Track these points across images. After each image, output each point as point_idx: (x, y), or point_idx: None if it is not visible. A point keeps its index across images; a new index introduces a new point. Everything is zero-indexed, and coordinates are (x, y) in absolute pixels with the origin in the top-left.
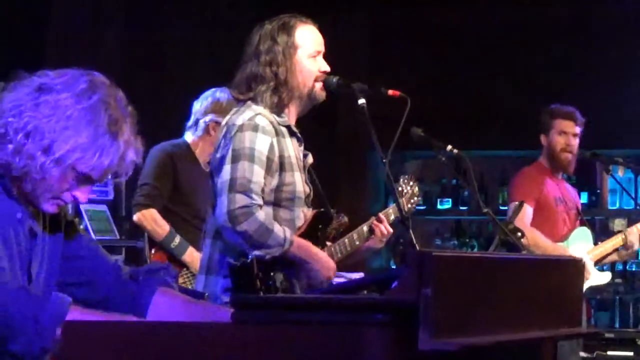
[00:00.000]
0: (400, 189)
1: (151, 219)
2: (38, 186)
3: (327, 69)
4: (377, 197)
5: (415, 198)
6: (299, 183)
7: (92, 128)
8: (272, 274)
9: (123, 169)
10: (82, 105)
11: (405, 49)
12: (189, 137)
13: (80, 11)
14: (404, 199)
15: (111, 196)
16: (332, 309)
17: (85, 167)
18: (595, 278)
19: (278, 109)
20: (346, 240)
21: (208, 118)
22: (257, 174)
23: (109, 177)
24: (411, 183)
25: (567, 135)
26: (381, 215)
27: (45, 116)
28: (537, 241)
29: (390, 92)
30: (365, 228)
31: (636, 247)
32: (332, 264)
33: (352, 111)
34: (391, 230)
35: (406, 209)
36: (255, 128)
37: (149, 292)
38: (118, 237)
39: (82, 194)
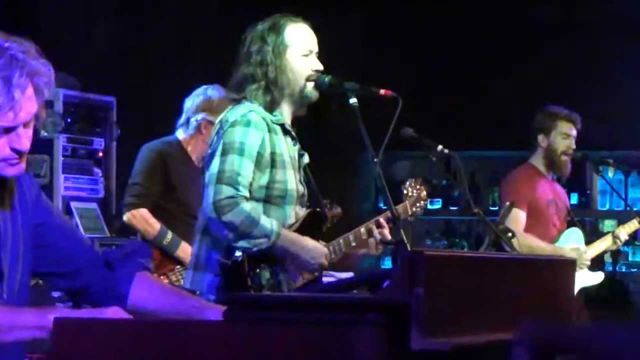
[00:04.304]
0: (405, 192)
1: (141, 219)
2: None
3: (320, 67)
4: (367, 196)
5: (422, 202)
6: (291, 181)
7: None
8: (257, 270)
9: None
10: None
11: (397, 49)
12: (180, 134)
13: (70, 8)
14: (407, 202)
15: (101, 194)
16: (324, 308)
17: None
18: (588, 279)
19: (271, 107)
20: (341, 240)
21: (200, 117)
22: (246, 168)
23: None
24: (418, 186)
25: (569, 138)
26: (382, 219)
27: None
28: (532, 245)
29: (383, 91)
30: (362, 230)
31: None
32: (322, 249)
33: (343, 110)
34: (390, 237)
35: (410, 213)
36: (248, 123)
37: (128, 280)
38: (108, 235)
39: (16, 141)
